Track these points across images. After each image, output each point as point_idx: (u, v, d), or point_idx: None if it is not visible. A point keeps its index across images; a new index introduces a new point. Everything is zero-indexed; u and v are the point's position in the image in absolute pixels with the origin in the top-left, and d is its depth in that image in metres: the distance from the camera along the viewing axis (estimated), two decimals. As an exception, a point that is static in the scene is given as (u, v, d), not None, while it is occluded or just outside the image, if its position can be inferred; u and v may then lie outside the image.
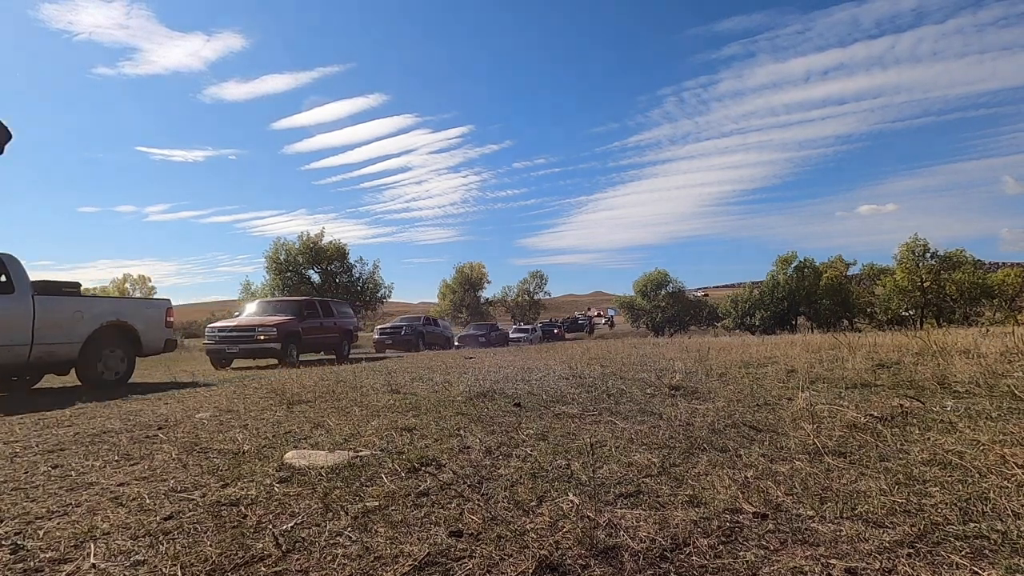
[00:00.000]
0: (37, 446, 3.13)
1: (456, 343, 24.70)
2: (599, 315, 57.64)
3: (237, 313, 13.99)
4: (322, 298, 16.28)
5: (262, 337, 11.78)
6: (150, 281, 68.44)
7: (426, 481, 2.23)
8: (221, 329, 12.02)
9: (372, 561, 1.53)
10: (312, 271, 39.49)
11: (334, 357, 14.48)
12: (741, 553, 1.52)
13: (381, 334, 22.12)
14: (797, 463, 2.33)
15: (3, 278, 6.16)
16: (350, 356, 14.87)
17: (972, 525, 1.63)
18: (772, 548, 1.55)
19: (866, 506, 1.81)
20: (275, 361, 12.17)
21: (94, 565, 1.54)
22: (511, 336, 32.21)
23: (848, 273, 44.02)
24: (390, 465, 2.44)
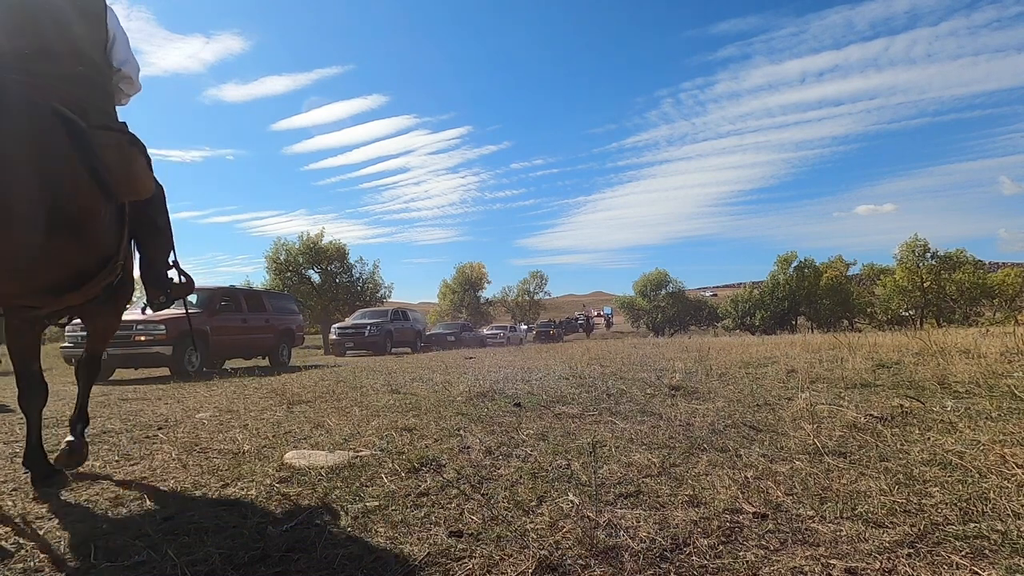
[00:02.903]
0: (37, 446, 3.13)
1: (421, 343, 21.32)
2: (598, 315, 57.61)
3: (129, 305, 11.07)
4: (249, 288, 12.90)
5: (143, 338, 8.47)
6: (150, 281, 68.25)
7: (426, 481, 2.23)
8: (85, 327, 8.76)
9: (372, 561, 1.53)
10: (312, 271, 39.51)
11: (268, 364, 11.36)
12: (741, 553, 1.52)
13: (340, 334, 18.25)
14: (797, 463, 2.33)
15: None
16: (290, 362, 12.06)
17: (972, 525, 1.63)
18: (772, 548, 1.55)
19: (866, 506, 1.81)
20: (167, 371, 8.98)
21: (94, 565, 1.54)
22: (486, 333, 30.36)
23: (848, 273, 44.04)
24: (390, 465, 2.44)
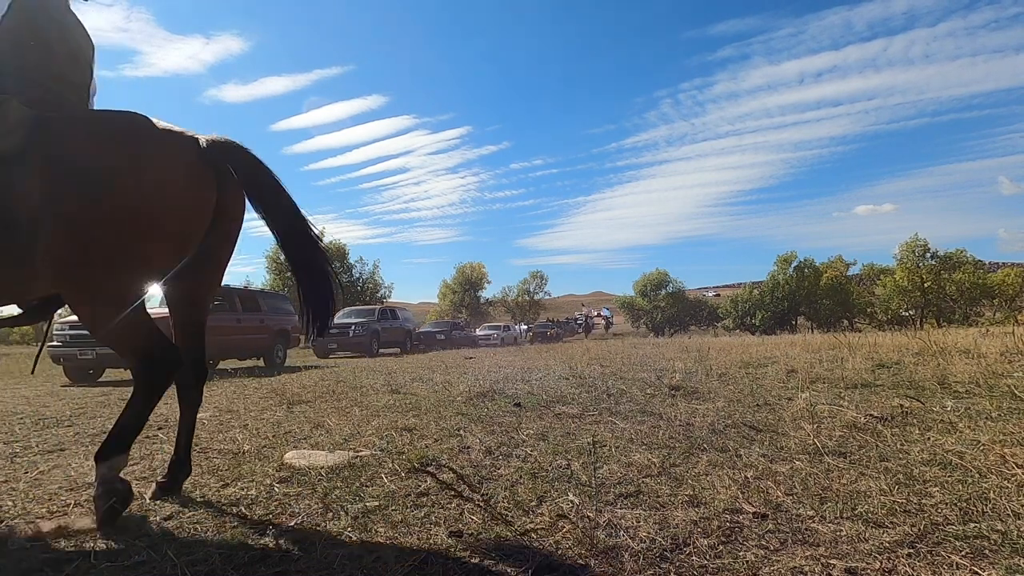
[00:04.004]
0: (37, 446, 3.13)
1: (412, 343, 20.11)
2: (598, 316, 57.48)
3: None
4: (243, 288, 12.58)
5: None
6: (150, 281, 68.19)
7: (426, 481, 2.23)
8: (74, 325, 8.15)
9: (372, 561, 1.53)
10: (312, 271, 39.46)
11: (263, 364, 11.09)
12: (741, 553, 1.52)
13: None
14: (797, 463, 2.33)
15: None
16: (285, 363, 11.70)
17: (972, 525, 1.63)
18: (772, 548, 1.55)
19: (866, 506, 1.81)
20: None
21: (94, 565, 1.54)
22: (479, 333, 29.27)
23: (848, 273, 44.04)
24: (390, 465, 2.44)
